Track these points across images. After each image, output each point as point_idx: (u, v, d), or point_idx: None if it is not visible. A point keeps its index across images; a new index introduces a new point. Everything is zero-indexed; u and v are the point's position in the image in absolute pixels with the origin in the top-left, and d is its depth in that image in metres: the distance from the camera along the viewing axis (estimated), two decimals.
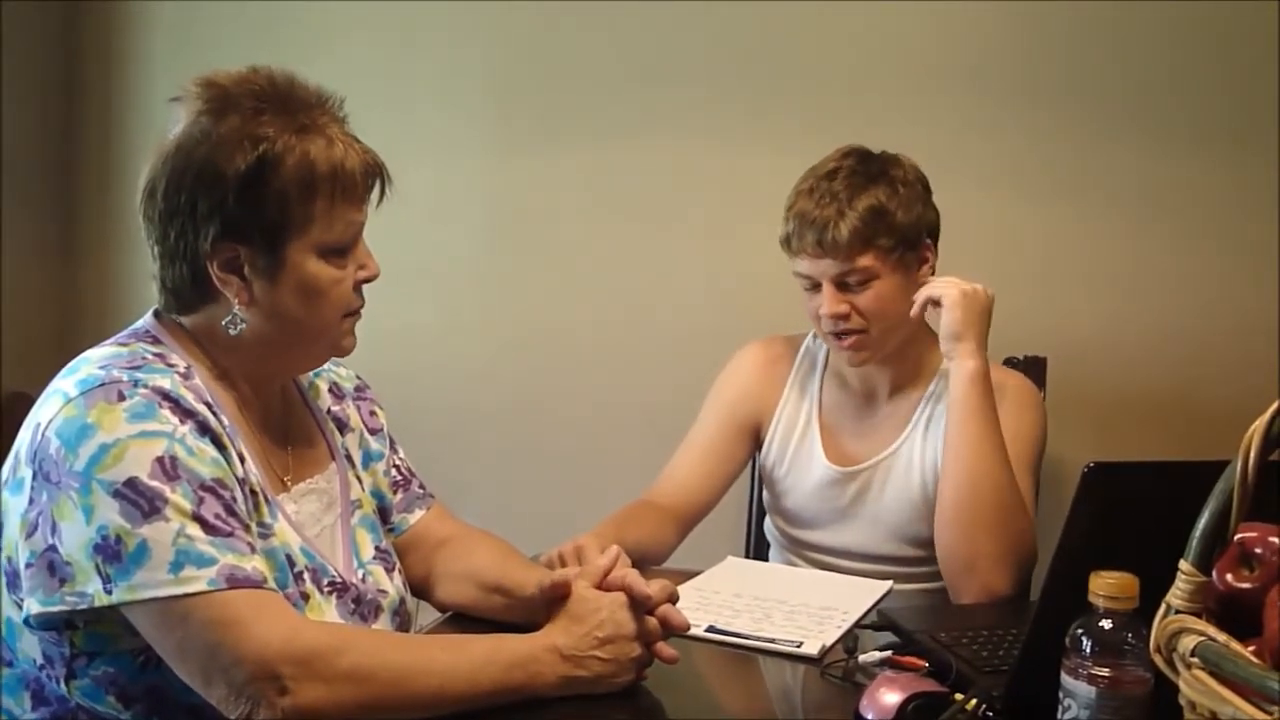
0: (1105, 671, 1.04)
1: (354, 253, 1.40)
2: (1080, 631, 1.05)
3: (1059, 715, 1.08)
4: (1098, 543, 1.13)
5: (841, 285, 1.88)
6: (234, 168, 1.30)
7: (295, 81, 1.38)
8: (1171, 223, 2.46)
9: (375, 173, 1.40)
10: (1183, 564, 0.98)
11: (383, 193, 1.42)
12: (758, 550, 2.31)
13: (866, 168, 1.90)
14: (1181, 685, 0.93)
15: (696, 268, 2.73)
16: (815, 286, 1.91)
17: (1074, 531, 1.16)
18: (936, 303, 1.85)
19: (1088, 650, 1.05)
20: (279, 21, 2.90)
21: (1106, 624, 1.04)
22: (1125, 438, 2.48)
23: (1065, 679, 1.07)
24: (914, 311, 1.88)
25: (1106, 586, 1.04)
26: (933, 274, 1.94)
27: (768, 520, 2.16)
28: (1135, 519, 1.14)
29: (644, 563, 1.73)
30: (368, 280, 1.42)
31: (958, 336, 1.83)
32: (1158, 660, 0.97)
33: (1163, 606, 0.98)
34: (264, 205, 1.31)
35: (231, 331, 1.36)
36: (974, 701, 1.21)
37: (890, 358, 1.96)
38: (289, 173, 1.32)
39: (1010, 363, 2.25)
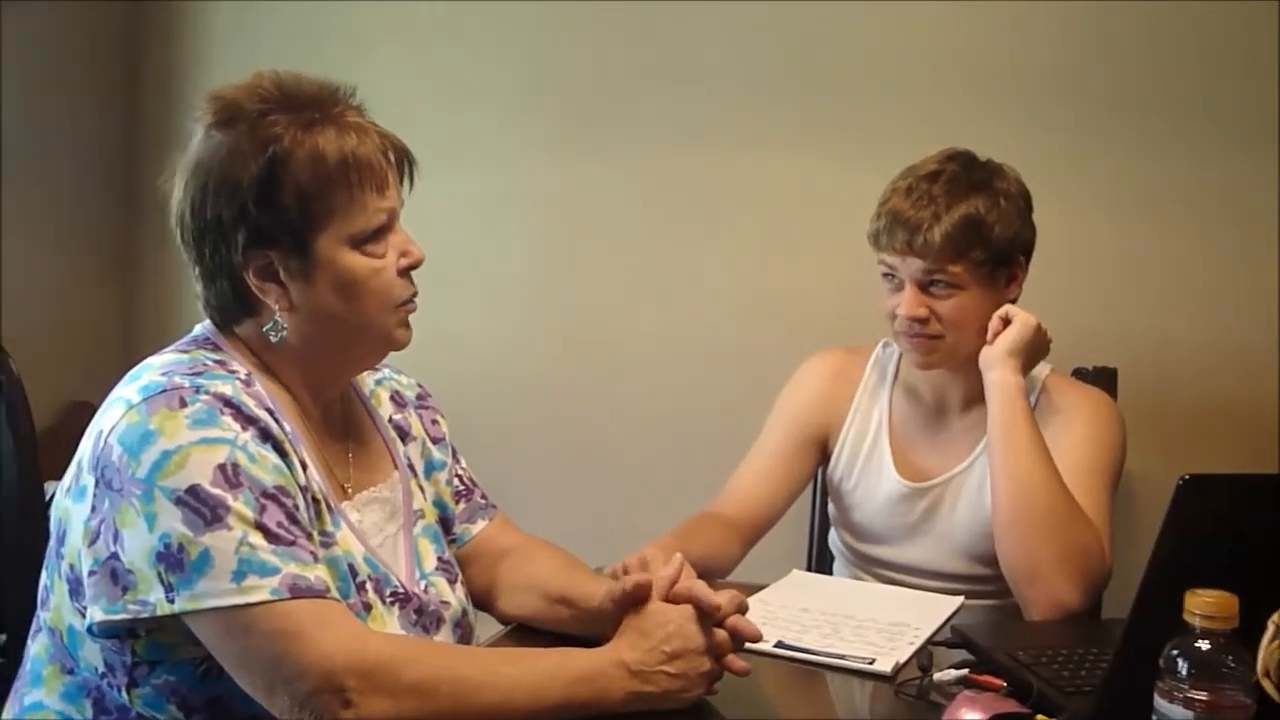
0: (1203, 695, 0.99)
1: (390, 240, 1.37)
2: (1175, 653, 1.01)
3: None
4: (1192, 559, 1.08)
5: (925, 288, 1.84)
6: (248, 174, 1.29)
7: (301, 79, 1.37)
8: (1245, 230, 2.41)
9: (395, 154, 1.38)
10: None
11: (410, 175, 1.40)
12: (820, 564, 2.28)
13: (970, 175, 1.85)
14: None
15: (750, 275, 2.72)
16: (897, 283, 1.86)
17: (1167, 547, 1.11)
18: (1007, 322, 1.82)
19: (1184, 672, 1.00)
20: (333, 26, 2.92)
21: (1204, 645, 0.99)
22: (1196, 451, 2.44)
23: (1159, 702, 1.02)
24: (990, 333, 1.84)
25: (1204, 605, 0.99)
26: (1019, 291, 1.90)
27: (832, 534, 2.12)
28: (1231, 534, 1.09)
29: (708, 575, 1.70)
30: (412, 267, 1.39)
31: (1013, 353, 1.80)
32: (1266, 685, 0.92)
33: (1270, 628, 0.93)
34: (283, 206, 1.30)
35: (273, 338, 1.35)
36: None
37: (963, 369, 1.90)
38: (300, 168, 1.30)
39: (1079, 374, 2.20)
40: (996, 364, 1.81)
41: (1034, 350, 1.84)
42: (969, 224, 1.81)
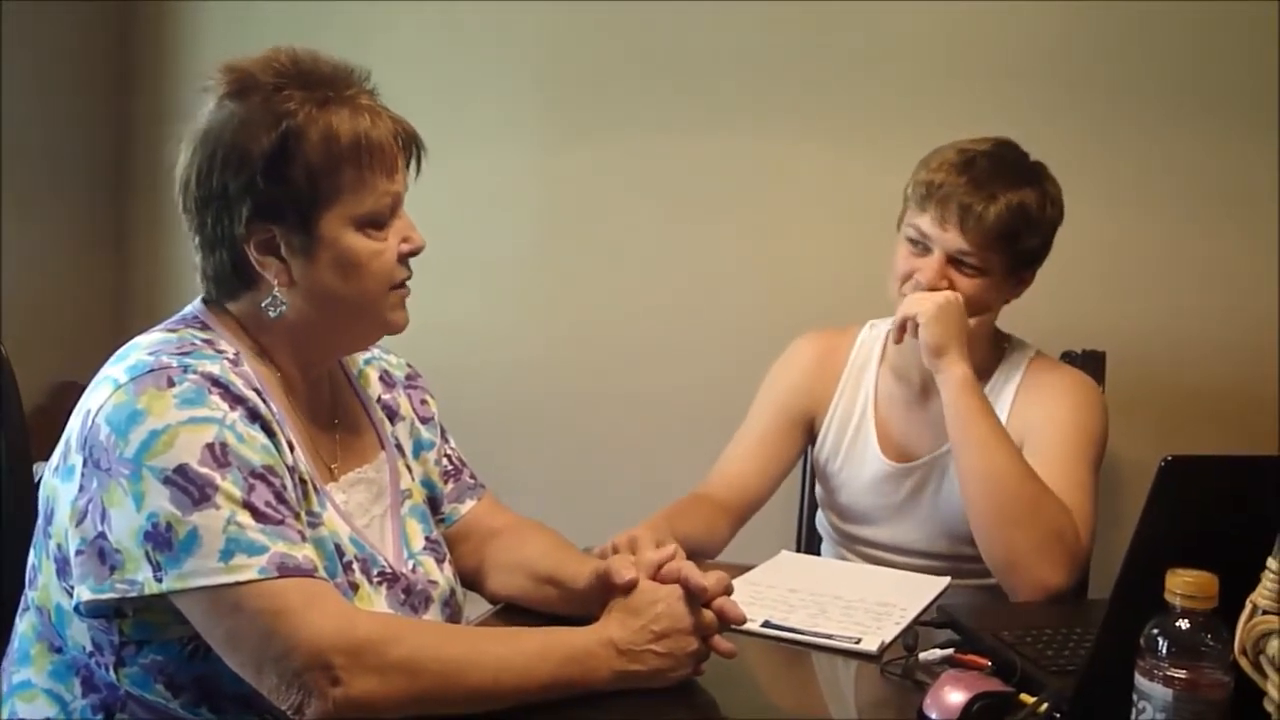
0: (1182, 673, 1.00)
1: (394, 224, 1.37)
2: (1156, 632, 1.02)
3: (1133, 718, 1.04)
4: (1173, 539, 1.09)
5: (953, 263, 1.83)
6: (259, 147, 1.29)
7: (318, 57, 1.36)
8: (1234, 216, 2.41)
9: (405, 140, 1.38)
10: (1270, 562, 0.94)
11: (417, 161, 1.40)
12: (808, 544, 2.28)
13: (1022, 165, 1.86)
14: (1269, 689, 0.89)
15: (745, 260, 2.72)
16: (922, 249, 1.85)
17: (1149, 527, 1.12)
18: (914, 320, 1.81)
19: (1164, 651, 1.01)
20: (329, 17, 2.90)
21: (1184, 624, 1.01)
22: (1185, 434, 2.44)
23: (1140, 680, 1.03)
24: (894, 336, 1.84)
25: (1184, 585, 1.00)
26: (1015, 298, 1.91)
27: (820, 514, 2.13)
28: (1212, 515, 1.10)
29: (696, 556, 1.70)
30: (412, 253, 1.39)
31: (940, 350, 1.80)
32: (1243, 663, 0.93)
33: (1248, 607, 0.94)
34: (292, 181, 1.30)
35: (271, 314, 1.34)
36: (1045, 705, 1.17)
37: None
38: (313, 146, 1.30)
39: (1068, 357, 2.21)
40: (938, 366, 1.80)
41: (958, 326, 1.80)
42: (1021, 212, 1.80)
